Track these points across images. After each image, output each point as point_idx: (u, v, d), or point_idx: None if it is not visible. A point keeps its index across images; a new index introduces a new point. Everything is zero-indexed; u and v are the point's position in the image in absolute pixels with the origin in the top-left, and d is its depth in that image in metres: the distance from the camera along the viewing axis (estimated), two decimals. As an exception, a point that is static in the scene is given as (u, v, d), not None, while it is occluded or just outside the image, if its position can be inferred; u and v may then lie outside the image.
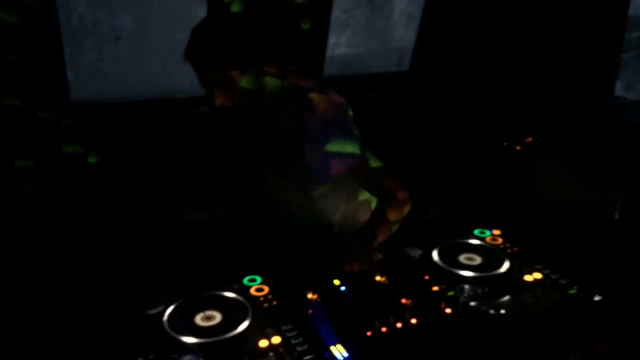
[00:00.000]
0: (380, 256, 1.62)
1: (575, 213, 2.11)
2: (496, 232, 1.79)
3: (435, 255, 1.64)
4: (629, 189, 2.03)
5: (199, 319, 1.37)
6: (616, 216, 2.01)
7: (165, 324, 1.35)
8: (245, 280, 1.52)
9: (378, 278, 1.55)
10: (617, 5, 2.94)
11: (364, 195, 1.87)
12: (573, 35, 2.92)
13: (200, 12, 2.74)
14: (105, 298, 1.48)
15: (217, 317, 1.38)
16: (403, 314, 1.40)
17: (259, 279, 1.53)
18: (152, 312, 1.39)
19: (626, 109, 2.67)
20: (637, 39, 6.22)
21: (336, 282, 1.51)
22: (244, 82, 1.65)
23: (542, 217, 2.07)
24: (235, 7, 1.97)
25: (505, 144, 3.04)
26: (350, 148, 1.69)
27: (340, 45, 3.91)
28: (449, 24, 3.15)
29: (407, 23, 3.83)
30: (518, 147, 3.00)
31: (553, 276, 1.56)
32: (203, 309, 1.39)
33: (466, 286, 1.52)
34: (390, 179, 1.73)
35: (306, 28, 2.80)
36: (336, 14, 3.19)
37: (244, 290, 1.48)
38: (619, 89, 3.34)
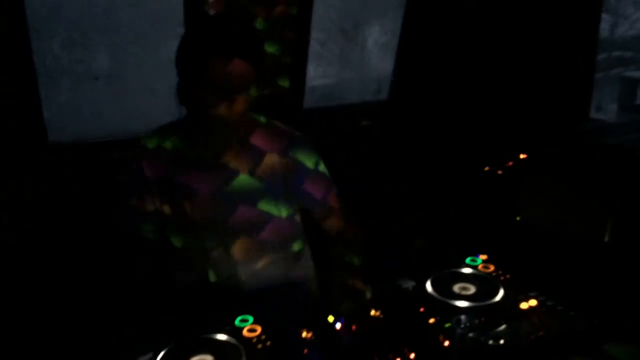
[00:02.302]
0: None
1: (564, 237, 2.11)
2: (483, 256, 1.77)
3: (429, 286, 1.62)
4: (618, 211, 2.05)
5: (191, 365, 1.32)
6: (606, 239, 2.02)
7: (156, 372, 1.29)
8: (237, 321, 1.48)
9: (372, 312, 1.52)
10: (589, 28, 3.01)
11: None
12: (548, 59, 2.97)
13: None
14: (92, 345, 1.42)
15: (210, 361, 1.33)
16: (401, 349, 1.36)
17: (250, 318, 1.49)
18: (142, 359, 1.34)
19: (606, 131, 2.71)
20: (604, 61, 6.40)
21: (330, 318, 1.47)
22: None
23: (532, 243, 2.06)
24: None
25: (487, 169, 3.06)
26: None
27: (317, 77, 3.94)
28: (426, 52, 3.19)
29: (381, 53, 3.88)
30: (500, 172, 3.02)
31: (549, 303, 1.55)
32: (195, 354, 1.34)
33: (462, 317, 1.49)
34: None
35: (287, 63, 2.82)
36: (312, 46, 3.21)
37: (236, 332, 1.43)
38: (591, 110, 3.41)
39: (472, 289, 1.61)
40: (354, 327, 1.41)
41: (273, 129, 1.77)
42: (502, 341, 1.40)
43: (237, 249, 1.72)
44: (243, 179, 1.70)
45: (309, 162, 1.78)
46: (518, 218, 2.63)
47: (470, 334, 1.42)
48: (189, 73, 1.52)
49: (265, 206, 1.72)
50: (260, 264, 1.75)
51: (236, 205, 1.70)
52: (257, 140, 1.73)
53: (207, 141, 1.66)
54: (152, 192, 1.67)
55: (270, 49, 2.95)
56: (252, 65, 1.53)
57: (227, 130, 1.61)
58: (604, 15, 3.32)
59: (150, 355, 1.34)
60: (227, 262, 1.71)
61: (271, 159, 1.73)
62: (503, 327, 1.46)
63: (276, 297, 1.66)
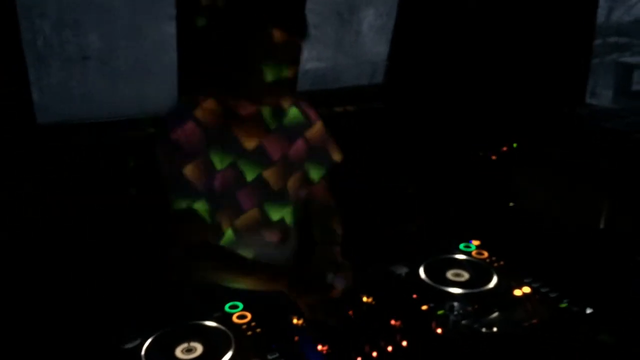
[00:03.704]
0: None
1: (559, 223, 2.09)
2: (476, 242, 1.76)
3: (422, 272, 1.60)
4: (612, 197, 2.03)
5: (179, 352, 1.29)
6: (601, 225, 2.01)
7: (144, 359, 1.27)
8: (227, 308, 1.45)
9: (365, 299, 1.50)
10: (586, 14, 2.98)
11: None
12: (545, 44, 2.94)
13: (169, 29, 2.68)
14: (79, 331, 1.40)
15: (199, 348, 1.30)
16: (393, 336, 1.35)
17: (240, 305, 1.46)
18: (129, 345, 1.31)
19: (600, 116, 2.69)
20: (599, 46, 6.38)
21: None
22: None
23: (526, 229, 2.05)
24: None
25: (481, 154, 3.04)
26: None
27: (312, 59, 3.90)
28: (421, 36, 3.15)
29: (376, 36, 3.84)
30: (494, 157, 2.99)
31: (542, 290, 1.53)
32: (183, 341, 1.32)
33: (455, 304, 1.47)
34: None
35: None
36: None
37: (225, 319, 1.41)
38: (586, 96, 3.39)
39: (465, 276, 1.59)
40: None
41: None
42: (495, 328, 1.39)
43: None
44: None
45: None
46: (511, 204, 2.61)
47: (464, 321, 1.41)
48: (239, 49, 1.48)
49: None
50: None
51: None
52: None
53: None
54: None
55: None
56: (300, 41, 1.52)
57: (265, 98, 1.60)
58: (600, 1, 3.29)
59: (138, 341, 1.32)
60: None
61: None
62: (496, 314, 1.44)
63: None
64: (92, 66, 2.91)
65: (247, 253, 1.67)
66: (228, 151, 1.61)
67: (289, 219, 1.78)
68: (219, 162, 1.59)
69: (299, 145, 1.77)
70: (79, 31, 2.80)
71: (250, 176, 1.65)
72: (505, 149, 2.96)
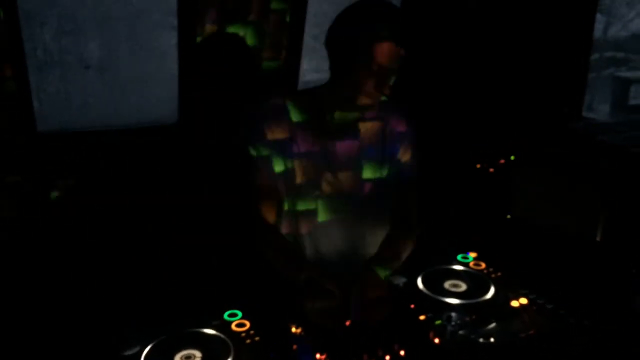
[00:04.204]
0: None
1: (556, 235, 2.10)
2: (474, 254, 1.77)
3: (420, 282, 1.61)
4: (609, 210, 2.04)
5: (178, 359, 1.30)
6: (598, 238, 2.02)
7: (143, 366, 1.28)
8: (226, 316, 1.46)
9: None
10: (584, 28, 3.01)
11: None
12: (541, 59, 2.96)
13: (172, 41, 2.70)
14: (79, 338, 1.40)
15: (198, 356, 1.31)
16: (391, 345, 1.35)
17: (239, 313, 1.47)
18: (128, 353, 1.32)
19: (597, 130, 2.71)
20: (597, 61, 6.42)
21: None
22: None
23: (524, 241, 2.06)
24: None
25: (479, 166, 3.06)
26: None
27: (311, 70, 3.91)
28: (419, 48, 3.17)
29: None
30: (492, 170, 3.01)
31: (539, 301, 1.54)
32: (182, 348, 1.33)
33: (453, 314, 1.48)
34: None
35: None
36: (306, 41, 3.18)
37: (224, 326, 1.42)
38: (583, 110, 3.41)
39: (463, 286, 1.60)
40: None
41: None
42: (492, 339, 1.40)
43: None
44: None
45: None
46: (509, 216, 2.62)
47: (461, 332, 1.42)
48: (353, 56, 1.57)
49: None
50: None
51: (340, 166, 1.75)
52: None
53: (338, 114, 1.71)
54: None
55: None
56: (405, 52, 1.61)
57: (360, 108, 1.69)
58: (597, 16, 3.32)
59: (137, 348, 1.32)
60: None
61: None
62: (493, 324, 1.45)
63: (266, 291, 1.64)
64: (92, 75, 2.92)
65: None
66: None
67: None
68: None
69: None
70: (79, 40, 2.81)
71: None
72: (503, 161, 2.97)
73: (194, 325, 1.41)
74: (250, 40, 2.83)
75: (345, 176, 1.77)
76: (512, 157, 2.76)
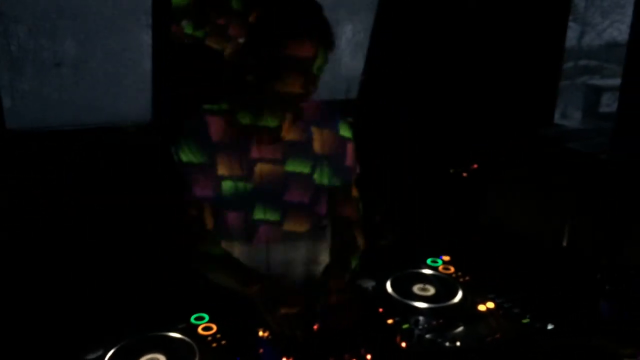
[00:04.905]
0: None
1: (524, 240, 2.13)
2: (446, 257, 1.79)
3: (388, 286, 1.61)
4: (577, 216, 2.07)
5: (142, 363, 1.29)
6: (564, 243, 2.05)
7: (105, 370, 1.26)
8: (192, 319, 1.44)
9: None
10: (555, 37, 3.05)
11: None
12: (514, 65, 3.00)
13: (145, 38, 2.68)
14: (41, 342, 1.37)
15: (162, 360, 1.30)
16: (357, 349, 1.35)
17: (206, 316, 1.46)
18: (91, 356, 1.30)
19: (568, 136, 2.75)
20: (571, 69, 6.53)
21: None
22: None
23: (493, 246, 2.08)
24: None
25: (452, 171, 3.08)
26: None
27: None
28: (396, 53, 3.20)
29: (353, 52, 3.87)
30: (465, 174, 3.04)
31: (506, 305, 1.56)
32: (146, 352, 1.31)
33: (421, 318, 1.49)
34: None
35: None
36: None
37: (190, 330, 1.40)
38: (556, 117, 3.47)
39: (431, 290, 1.61)
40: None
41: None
42: (458, 343, 1.40)
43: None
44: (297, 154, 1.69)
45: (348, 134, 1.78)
46: (481, 221, 2.65)
47: (428, 335, 1.42)
48: (271, 53, 1.49)
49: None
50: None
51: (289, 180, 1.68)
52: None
53: (270, 116, 1.63)
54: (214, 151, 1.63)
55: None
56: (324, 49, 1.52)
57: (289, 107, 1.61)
58: (572, 24, 3.38)
59: (100, 352, 1.30)
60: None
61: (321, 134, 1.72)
62: (460, 328, 1.46)
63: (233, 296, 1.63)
64: (66, 73, 2.89)
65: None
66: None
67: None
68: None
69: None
70: (54, 38, 2.78)
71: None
72: (475, 166, 3.00)
73: (159, 328, 1.39)
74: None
75: (270, 178, 1.68)
76: (475, 166, 2.79)
